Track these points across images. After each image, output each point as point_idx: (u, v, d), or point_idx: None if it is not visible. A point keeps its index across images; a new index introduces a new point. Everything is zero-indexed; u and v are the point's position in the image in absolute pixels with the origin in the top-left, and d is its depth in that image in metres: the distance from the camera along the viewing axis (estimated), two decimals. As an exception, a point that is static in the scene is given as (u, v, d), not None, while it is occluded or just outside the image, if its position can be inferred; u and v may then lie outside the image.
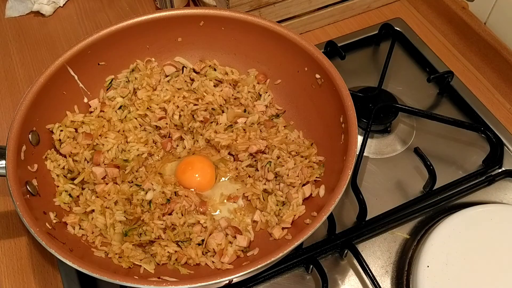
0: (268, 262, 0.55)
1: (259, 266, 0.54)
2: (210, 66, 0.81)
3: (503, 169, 0.78)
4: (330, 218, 0.70)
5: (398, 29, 0.95)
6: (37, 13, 1.03)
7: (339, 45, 0.89)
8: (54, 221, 0.64)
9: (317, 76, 0.72)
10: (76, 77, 0.74)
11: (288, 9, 0.92)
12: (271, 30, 0.75)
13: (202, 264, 0.65)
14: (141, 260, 0.64)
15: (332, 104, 0.69)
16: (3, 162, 0.61)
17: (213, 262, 0.65)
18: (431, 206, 0.74)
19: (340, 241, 0.70)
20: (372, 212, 0.72)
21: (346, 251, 0.70)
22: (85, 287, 0.67)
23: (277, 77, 0.80)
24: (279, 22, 0.90)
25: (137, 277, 0.60)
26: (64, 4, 1.04)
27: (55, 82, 0.70)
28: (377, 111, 0.80)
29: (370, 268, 0.67)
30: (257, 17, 0.76)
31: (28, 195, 0.62)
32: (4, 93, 0.91)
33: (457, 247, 0.66)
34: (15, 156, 0.62)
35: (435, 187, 0.75)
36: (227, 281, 0.55)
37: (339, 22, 1.00)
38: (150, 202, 0.69)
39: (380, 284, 0.65)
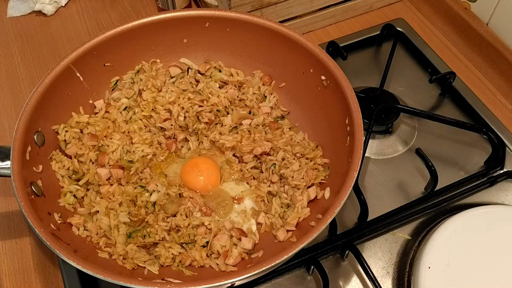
0: (273, 264, 0.55)
1: (263, 269, 0.54)
2: (215, 67, 0.81)
3: (505, 170, 0.79)
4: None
5: (400, 29, 0.95)
6: (39, 13, 1.02)
7: (340, 45, 0.89)
8: (59, 222, 0.64)
9: (323, 77, 0.72)
10: (81, 78, 0.73)
11: (289, 9, 0.92)
12: (277, 32, 0.74)
13: (206, 266, 0.65)
14: (145, 261, 0.64)
15: (337, 106, 0.69)
16: (8, 162, 0.61)
17: (217, 264, 0.65)
18: (433, 207, 0.75)
19: (341, 242, 0.70)
20: (374, 213, 0.73)
21: (347, 252, 0.70)
22: (86, 287, 0.68)
23: (282, 78, 0.80)
24: (280, 22, 0.90)
25: (141, 279, 0.60)
26: (66, 4, 1.04)
27: (61, 82, 0.70)
28: (378, 111, 0.80)
29: (371, 269, 0.67)
30: (263, 18, 0.75)
31: (33, 196, 0.62)
32: (5, 93, 0.90)
33: (459, 248, 0.67)
34: (20, 156, 0.62)
35: (436, 188, 0.75)
36: (231, 284, 0.55)
37: (341, 23, 1.00)
38: (154, 203, 0.69)
39: (381, 285, 0.66)
